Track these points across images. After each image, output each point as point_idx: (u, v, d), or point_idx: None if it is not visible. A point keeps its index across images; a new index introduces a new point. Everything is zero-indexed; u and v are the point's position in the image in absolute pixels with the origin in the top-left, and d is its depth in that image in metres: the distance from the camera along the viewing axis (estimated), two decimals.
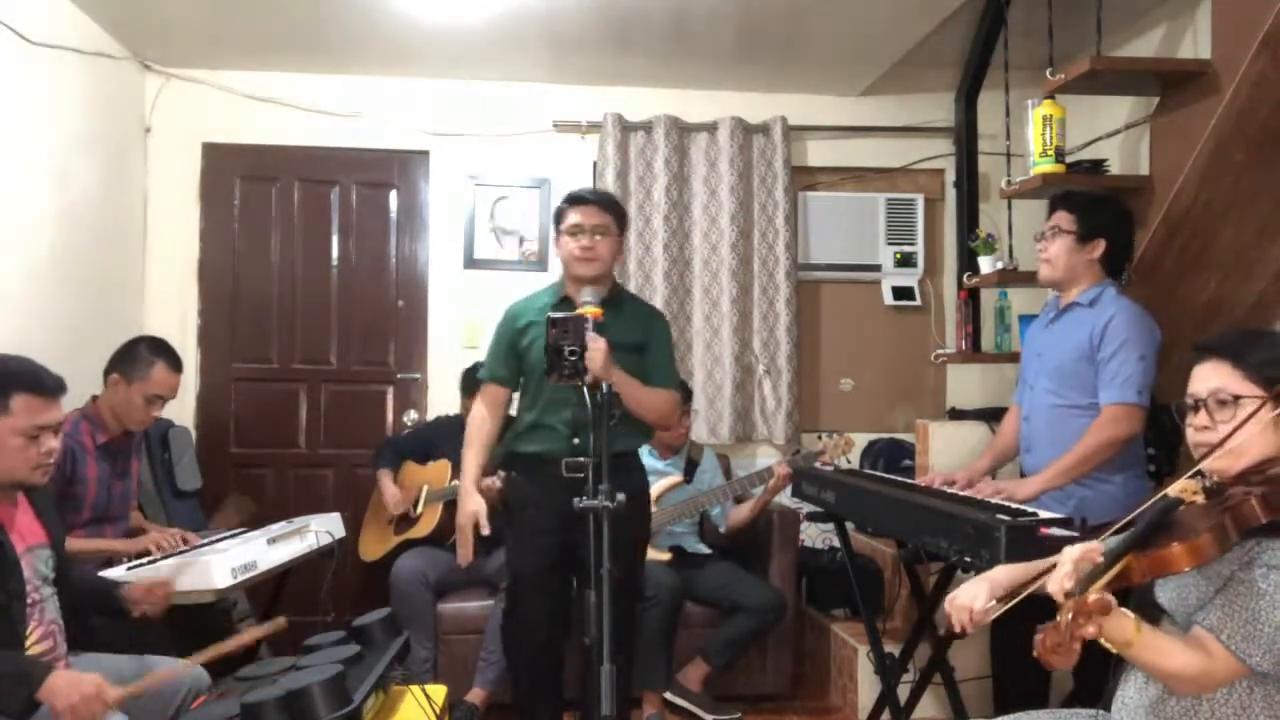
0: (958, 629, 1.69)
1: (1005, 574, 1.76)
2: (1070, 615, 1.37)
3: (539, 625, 2.75)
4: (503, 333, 2.81)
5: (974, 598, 1.69)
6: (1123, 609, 1.47)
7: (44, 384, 2.15)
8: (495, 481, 3.46)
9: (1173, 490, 1.59)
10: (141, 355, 2.93)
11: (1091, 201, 2.73)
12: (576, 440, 2.63)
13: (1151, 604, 1.68)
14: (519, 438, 2.76)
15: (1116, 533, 1.58)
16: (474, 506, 2.69)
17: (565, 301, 2.69)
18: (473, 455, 2.76)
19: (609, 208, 2.73)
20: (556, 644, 2.78)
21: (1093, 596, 1.39)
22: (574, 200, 2.72)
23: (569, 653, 2.82)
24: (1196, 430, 1.65)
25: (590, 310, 2.36)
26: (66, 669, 2.03)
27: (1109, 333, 2.56)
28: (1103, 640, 1.47)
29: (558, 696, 2.83)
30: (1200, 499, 1.58)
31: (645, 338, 2.74)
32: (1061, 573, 1.49)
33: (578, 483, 2.50)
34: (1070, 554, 1.52)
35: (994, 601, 1.65)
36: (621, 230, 2.77)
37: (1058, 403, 2.69)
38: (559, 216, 2.73)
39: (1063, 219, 2.70)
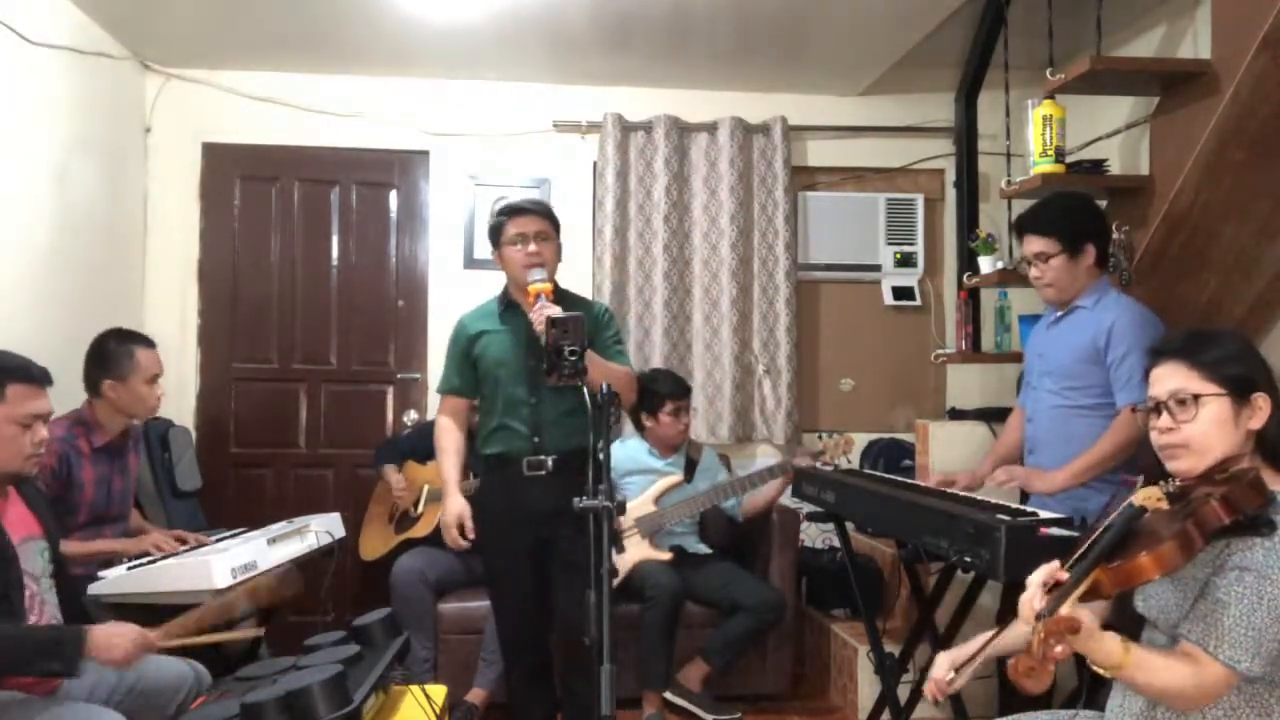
0: (930, 700, 1.74)
1: (973, 644, 1.75)
2: (1041, 636, 1.36)
3: (519, 623, 2.81)
4: (455, 344, 2.88)
5: (937, 668, 1.74)
6: (1109, 632, 1.47)
7: (33, 374, 2.21)
8: (473, 484, 3.45)
9: (1136, 499, 1.60)
10: (116, 350, 2.93)
11: (1061, 215, 2.69)
12: (536, 439, 2.71)
13: (1131, 615, 1.69)
14: (484, 441, 2.83)
15: (1087, 547, 1.57)
16: (457, 508, 2.77)
17: (512, 306, 2.78)
18: (449, 460, 2.85)
19: (546, 214, 2.79)
20: (539, 640, 2.82)
21: (1063, 613, 1.38)
22: (510, 212, 2.77)
23: (557, 653, 2.83)
24: (1161, 433, 1.66)
25: (542, 286, 2.56)
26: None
27: (1115, 335, 2.56)
28: (1092, 665, 1.47)
29: (548, 692, 2.85)
30: (1164, 505, 1.58)
31: (593, 332, 2.76)
32: (1028, 596, 1.49)
33: (539, 480, 2.67)
34: (1035, 577, 1.52)
35: (953, 673, 1.70)
36: (559, 236, 2.82)
37: (1061, 403, 2.69)
38: (497, 231, 2.78)
39: (1046, 244, 2.66)
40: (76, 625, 2.08)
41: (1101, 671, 1.48)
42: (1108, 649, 1.46)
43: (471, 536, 2.75)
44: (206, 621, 2.37)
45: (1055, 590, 1.47)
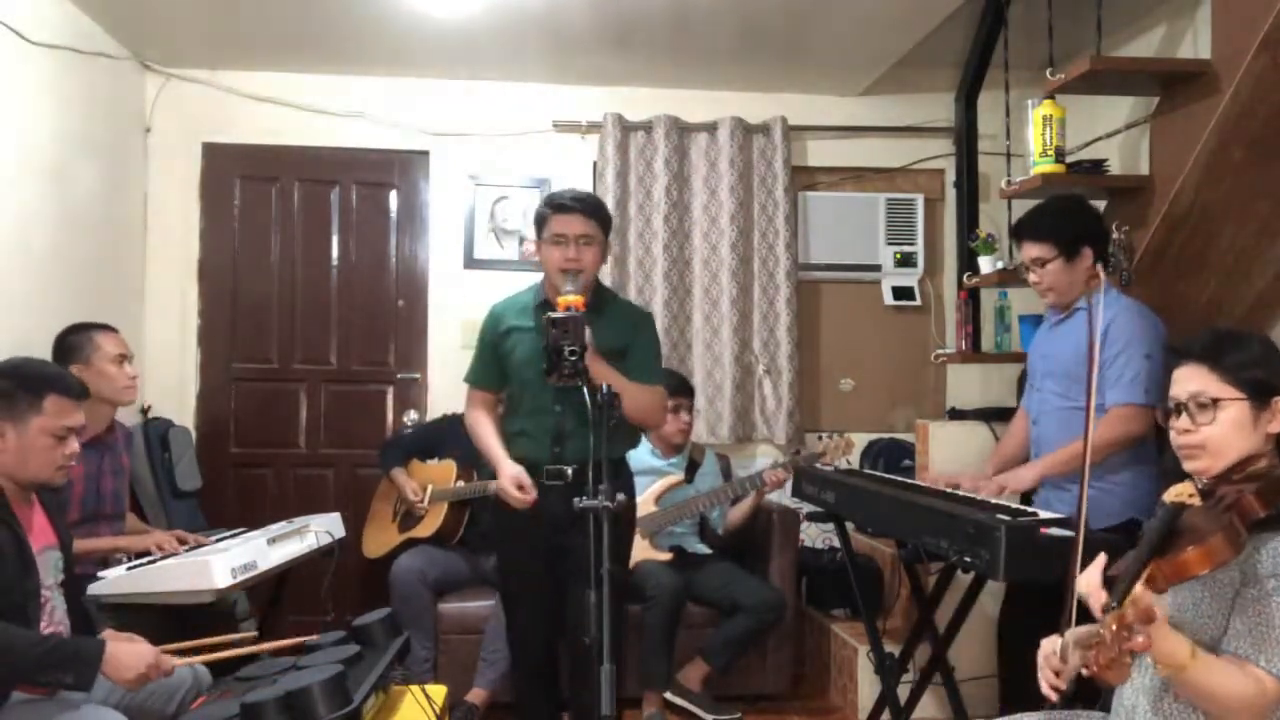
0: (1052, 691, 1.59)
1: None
2: (1114, 628, 1.36)
3: (531, 630, 2.75)
4: (486, 336, 2.76)
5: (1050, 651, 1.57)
6: (1180, 635, 1.47)
7: (72, 387, 2.22)
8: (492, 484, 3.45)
9: (1169, 496, 1.61)
10: (75, 341, 2.92)
11: (1056, 220, 2.69)
12: (558, 449, 2.60)
13: None
14: (505, 442, 2.72)
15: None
16: (512, 471, 2.58)
17: (546, 304, 2.62)
18: (492, 441, 2.68)
19: (594, 214, 2.62)
20: (550, 647, 2.77)
21: (1140, 604, 1.37)
22: (557, 207, 2.61)
23: (563, 653, 2.82)
24: (1179, 434, 1.68)
25: (572, 299, 2.37)
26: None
27: (1112, 333, 2.56)
28: (1155, 664, 1.46)
29: (555, 698, 2.83)
30: (1197, 501, 1.60)
31: (629, 341, 2.66)
32: (1093, 596, 1.51)
33: (559, 489, 2.55)
34: (1091, 575, 1.54)
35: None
36: (607, 235, 2.67)
37: (1065, 404, 2.69)
38: (541, 221, 2.64)
39: (1042, 249, 2.66)
40: (95, 639, 2.08)
41: (1161, 670, 1.48)
42: (1176, 647, 1.45)
43: (532, 495, 2.55)
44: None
45: (1113, 586, 1.48)
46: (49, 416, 2.14)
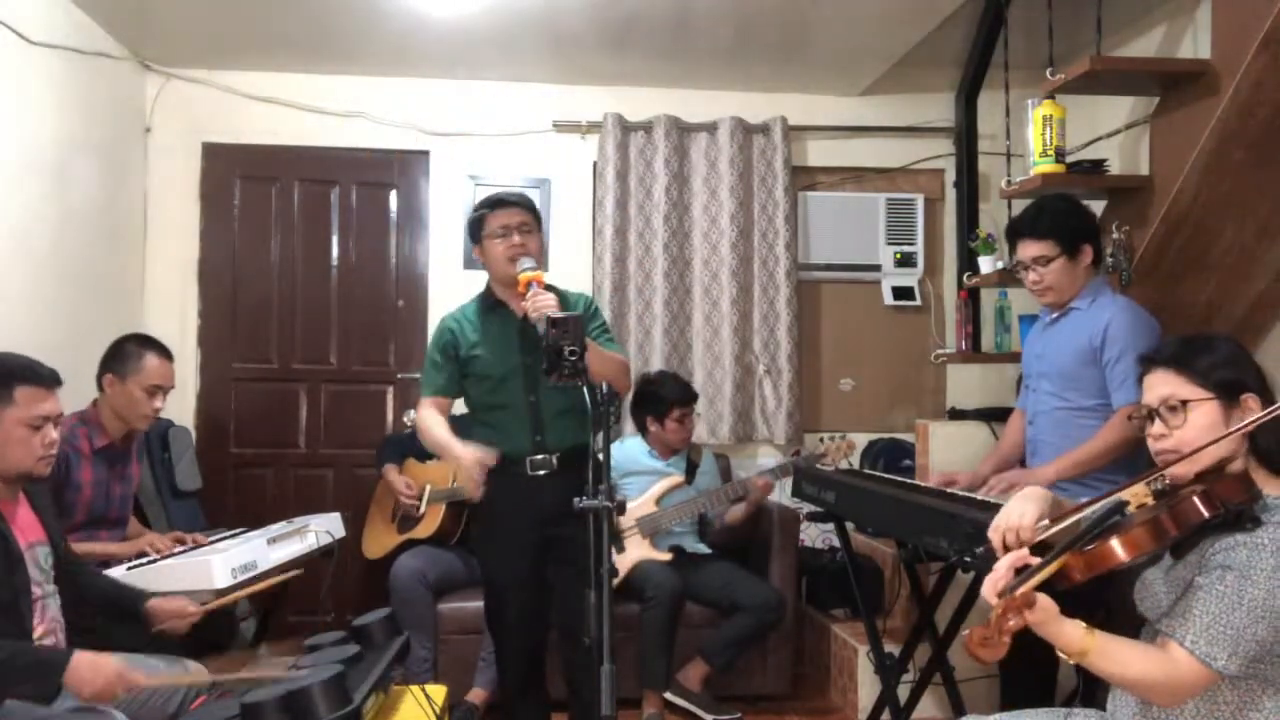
0: (1001, 553, 1.68)
1: (1045, 495, 1.77)
2: (1000, 611, 1.43)
3: (518, 627, 2.75)
4: (437, 345, 2.79)
5: (1021, 515, 1.70)
6: (1075, 620, 1.50)
7: (42, 375, 2.21)
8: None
9: (1124, 494, 1.62)
10: (130, 350, 2.93)
11: (1058, 218, 2.68)
12: (539, 437, 2.65)
13: (1134, 614, 1.70)
14: (477, 440, 2.70)
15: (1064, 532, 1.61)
16: (471, 451, 2.56)
17: (497, 306, 2.73)
18: (441, 429, 2.68)
19: (528, 207, 2.73)
20: (537, 643, 2.77)
21: (1019, 592, 1.44)
22: (491, 204, 2.71)
23: (562, 653, 2.81)
24: (1155, 439, 1.68)
25: (533, 274, 2.47)
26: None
27: (1110, 335, 2.56)
28: (1060, 652, 1.50)
29: (542, 696, 2.82)
30: (1150, 501, 1.61)
31: (586, 320, 2.68)
32: (995, 577, 1.54)
33: (542, 480, 2.60)
34: (1003, 561, 1.57)
35: (1045, 521, 1.65)
36: (540, 229, 2.76)
37: (1061, 405, 2.69)
38: (477, 225, 2.71)
39: (1043, 247, 2.65)
40: (62, 650, 2.05)
41: (1067, 658, 1.51)
42: (1069, 634, 1.49)
43: (492, 462, 2.56)
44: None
45: (1023, 571, 1.52)
46: (20, 407, 2.13)
